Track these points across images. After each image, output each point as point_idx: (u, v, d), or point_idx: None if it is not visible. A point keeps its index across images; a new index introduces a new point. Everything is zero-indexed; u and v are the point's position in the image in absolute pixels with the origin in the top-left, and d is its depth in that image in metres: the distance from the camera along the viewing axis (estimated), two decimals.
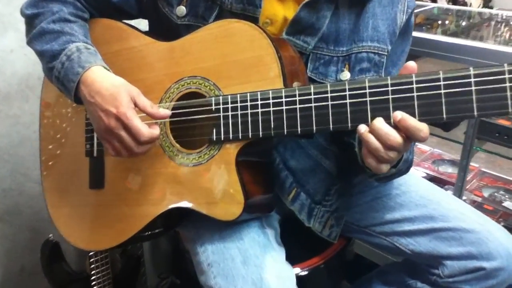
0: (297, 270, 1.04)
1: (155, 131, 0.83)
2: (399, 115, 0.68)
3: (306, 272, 1.05)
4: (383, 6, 0.90)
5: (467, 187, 1.74)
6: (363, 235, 1.08)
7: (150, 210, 0.90)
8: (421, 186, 1.05)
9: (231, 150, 0.83)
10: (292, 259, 0.97)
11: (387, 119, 0.69)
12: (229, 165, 0.83)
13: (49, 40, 0.89)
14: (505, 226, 1.55)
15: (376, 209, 1.05)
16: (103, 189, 0.97)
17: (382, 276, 1.13)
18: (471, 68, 0.65)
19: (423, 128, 0.67)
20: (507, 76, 0.62)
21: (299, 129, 0.76)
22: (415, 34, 1.19)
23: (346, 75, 0.90)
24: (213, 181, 0.84)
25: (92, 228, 0.99)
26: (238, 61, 0.83)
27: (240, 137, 0.81)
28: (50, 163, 1.05)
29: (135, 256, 1.61)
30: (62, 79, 0.87)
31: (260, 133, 0.80)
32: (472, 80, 0.64)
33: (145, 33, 0.95)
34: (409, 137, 0.68)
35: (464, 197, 1.62)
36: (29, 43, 0.93)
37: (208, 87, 0.85)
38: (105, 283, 1.45)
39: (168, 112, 0.85)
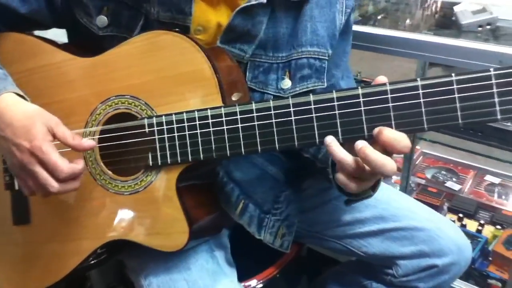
0: (254, 282, 1.00)
1: (78, 166, 0.73)
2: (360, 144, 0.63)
3: (261, 285, 1.02)
4: (320, 8, 0.85)
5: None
6: (315, 239, 1.05)
7: (85, 245, 0.82)
8: None
9: (171, 175, 0.76)
10: (246, 272, 0.94)
11: (335, 134, 0.65)
12: (169, 192, 0.76)
13: None
14: (450, 208, 1.60)
15: (327, 213, 1.02)
16: (30, 224, 0.87)
17: (338, 277, 1.12)
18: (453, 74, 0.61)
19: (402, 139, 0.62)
20: (494, 81, 0.59)
21: (243, 150, 0.71)
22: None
23: (287, 83, 0.84)
24: (153, 210, 0.77)
25: (20, 269, 0.88)
26: (170, 77, 0.75)
27: (179, 161, 0.74)
28: None
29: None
30: None
31: (201, 155, 0.73)
32: (455, 87, 0.60)
33: (63, 46, 0.85)
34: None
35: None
36: None
37: (139, 106, 0.77)
38: None
39: (93, 143, 0.75)
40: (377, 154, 0.61)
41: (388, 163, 0.61)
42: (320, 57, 0.85)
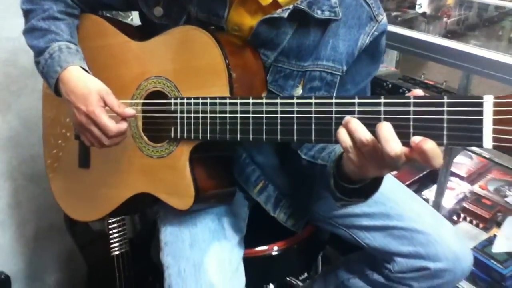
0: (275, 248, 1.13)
1: (122, 125, 0.92)
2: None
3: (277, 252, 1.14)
4: (348, 27, 0.90)
5: (473, 178, 1.72)
6: (327, 225, 1.14)
7: (122, 193, 1.02)
8: (384, 184, 1.08)
9: (186, 148, 0.91)
10: (268, 238, 1.08)
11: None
12: (183, 161, 0.91)
13: (37, 36, 0.99)
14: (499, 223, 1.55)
15: None
16: (89, 168, 1.09)
17: (347, 264, 1.20)
18: (445, 97, 0.63)
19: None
20: (484, 108, 0.59)
21: (238, 136, 0.82)
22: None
23: (298, 91, 0.92)
24: (170, 174, 0.93)
25: (80, 202, 1.12)
26: (194, 67, 0.89)
27: (192, 137, 0.89)
28: (52, 141, 1.18)
29: (152, 221, 1.76)
30: (45, 74, 0.98)
31: (208, 135, 0.87)
32: (445, 109, 0.62)
33: (125, 29, 1.03)
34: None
35: (463, 190, 1.61)
36: (23, 34, 1.03)
37: (170, 87, 0.93)
38: (121, 243, 1.60)
39: (133, 112, 0.93)
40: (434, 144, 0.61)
41: (440, 156, 0.62)
42: (333, 72, 0.91)
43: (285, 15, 0.87)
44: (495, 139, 0.60)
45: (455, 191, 1.61)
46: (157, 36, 0.95)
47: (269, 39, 0.92)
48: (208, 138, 0.87)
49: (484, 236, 1.49)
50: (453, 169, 1.72)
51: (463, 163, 1.78)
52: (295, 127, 0.75)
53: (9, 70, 1.50)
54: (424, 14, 1.93)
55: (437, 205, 1.41)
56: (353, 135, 0.66)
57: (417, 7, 1.93)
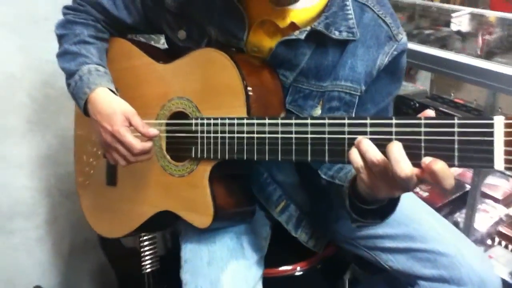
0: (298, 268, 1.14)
1: (147, 144, 0.96)
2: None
3: (302, 272, 1.14)
4: (366, 47, 0.91)
5: (510, 201, 1.65)
6: (349, 245, 1.13)
7: (146, 210, 1.05)
8: (407, 205, 1.06)
9: (206, 167, 0.93)
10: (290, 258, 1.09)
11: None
12: (203, 180, 0.93)
13: (69, 59, 1.05)
14: None
15: None
16: (116, 186, 1.13)
17: (371, 286, 1.18)
18: (455, 118, 0.63)
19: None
20: (495, 129, 0.59)
21: (255, 155, 0.84)
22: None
23: (317, 111, 0.93)
24: (191, 192, 0.96)
25: (107, 219, 1.16)
26: (214, 88, 0.92)
27: (212, 157, 0.91)
28: (83, 159, 1.23)
29: None
30: (75, 95, 1.03)
31: (226, 155, 0.88)
32: (456, 129, 0.61)
33: (149, 51, 1.07)
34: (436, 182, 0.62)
35: (498, 213, 1.55)
36: (57, 57, 1.09)
37: (191, 108, 0.96)
38: (152, 261, 1.63)
39: (156, 132, 0.96)
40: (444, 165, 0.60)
41: (451, 177, 0.61)
42: (352, 92, 0.92)
43: (303, 36, 0.89)
44: (507, 161, 0.59)
45: (490, 214, 1.55)
46: (179, 59, 0.99)
47: (288, 60, 0.93)
48: (227, 158, 0.89)
49: None
50: (488, 191, 1.66)
51: (499, 185, 1.71)
52: (309, 147, 0.76)
53: (48, 92, 1.59)
54: (458, 32, 1.90)
55: (467, 228, 1.37)
56: (364, 155, 0.67)
57: (452, 25, 1.90)
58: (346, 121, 0.71)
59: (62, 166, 1.68)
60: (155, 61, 1.04)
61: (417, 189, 1.63)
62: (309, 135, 0.76)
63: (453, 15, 1.90)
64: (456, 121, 0.62)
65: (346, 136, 0.72)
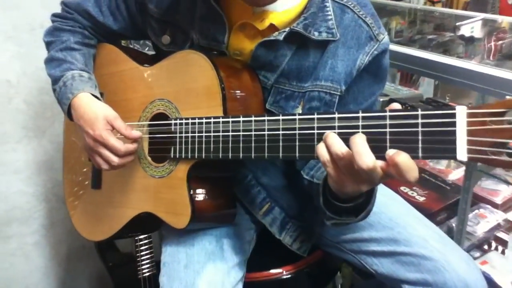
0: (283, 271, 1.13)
1: (131, 146, 0.96)
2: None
3: (289, 275, 1.12)
4: (347, 48, 0.91)
5: (509, 206, 1.62)
6: (335, 249, 1.11)
7: (128, 212, 1.04)
8: (392, 208, 1.05)
9: (184, 167, 0.93)
10: (275, 262, 1.08)
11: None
12: (181, 180, 0.93)
13: (54, 66, 1.06)
14: None
15: (348, 227, 1.07)
16: (101, 190, 1.13)
17: None
18: (419, 109, 0.63)
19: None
20: (457, 119, 0.58)
21: (230, 153, 0.84)
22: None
23: (298, 111, 0.93)
24: (170, 193, 0.95)
25: (92, 222, 1.16)
26: (192, 89, 0.92)
27: (189, 157, 0.91)
28: (70, 163, 1.24)
29: None
30: (60, 100, 1.04)
31: (203, 154, 0.88)
32: (420, 121, 0.61)
33: (134, 56, 1.08)
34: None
35: (496, 218, 1.52)
36: (44, 64, 1.11)
37: (171, 109, 0.96)
38: (149, 266, 1.63)
39: (139, 134, 0.97)
40: (407, 157, 0.60)
41: (415, 170, 0.61)
42: (332, 91, 0.91)
43: (281, 37, 0.89)
44: (470, 151, 0.58)
45: (487, 218, 1.52)
46: (161, 61, 0.99)
47: (268, 61, 0.93)
48: (203, 157, 0.88)
49: None
50: (487, 196, 1.64)
51: (499, 190, 1.68)
52: (280, 144, 0.76)
53: (44, 98, 1.60)
54: (462, 36, 1.88)
55: (459, 233, 1.34)
56: (330, 149, 0.67)
57: (463, 31, 1.87)
58: (316, 116, 0.71)
59: (58, 172, 1.68)
60: (139, 65, 1.05)
61: (414, 194, 1.61)
62: (280, 132, 0.76)
63: (465, 21, 1.88)
64: (419, 112, 0.61)
65: (316, 131, 0.71)
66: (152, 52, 1.15)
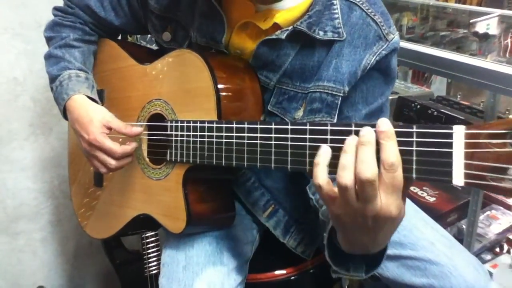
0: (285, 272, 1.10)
1: (128, 147, 0.95)
2: None
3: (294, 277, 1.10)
4: (353, 47, 0.86)
5: None
6: None
7: (128, 213, 1.03)
8: None
9: (180, 170, 0.91)
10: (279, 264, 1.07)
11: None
12: (177, 184, 0.91)
13: (52, 63, 1.05)
14: None
15: None
16: (103, 188, 1.12)
17: None
18: (414, 126, 0.57)
19: None
20: (454, 140, 0.54)
21: (223, 161, 0.81)
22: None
23: (299, 113, 0.90)
24: (166, 196, 0.94)
25: (95, 220, 1.16)
26: (188, 90, 0.90)
27: (184, 161, 0.89)
28: (75, 161, 1.24)
29: None
30: (56, 100, 1.03)
31: (197, 160, 0.86)
32: (415, 139, 0.56)
33: (134, 53, 1.06)
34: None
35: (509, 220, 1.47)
36: (44, 60, 1.10)
37: (168, 110, 0.94)
38: (156, 263, 1.62)
39: (140, 129, 0.96)
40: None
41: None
42: (334, 93, 0.86)
43: (283, 36, 0.85)
44: (467, 175, 0.53)
45: (499, 220, 1.47)
46: (157, 60, 0.97)
47: (270, 60, 0.90)
48: (198, 162, 0.86)
49: None
50: (500, 197, 1.59)
51: None
52: (272, 156, 0.72)
53: (51, 95, 1.58)
54: (475, 33, 1.82)
55: (469, 235, 1.30)
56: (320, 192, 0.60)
57: (478, 27, 1.81)
58: (308, 128, 0.67)
59: (65, 168, 1.67)
60: (138, 62, 1.03)
61: (424, 194, 1.57)
62: (273, 142, 0.72)
63: (480, 18, 1.81)
64: (414, 129, 0.56)
65: (308, 143, 0.67)
66: (157, 47, 1.14)
